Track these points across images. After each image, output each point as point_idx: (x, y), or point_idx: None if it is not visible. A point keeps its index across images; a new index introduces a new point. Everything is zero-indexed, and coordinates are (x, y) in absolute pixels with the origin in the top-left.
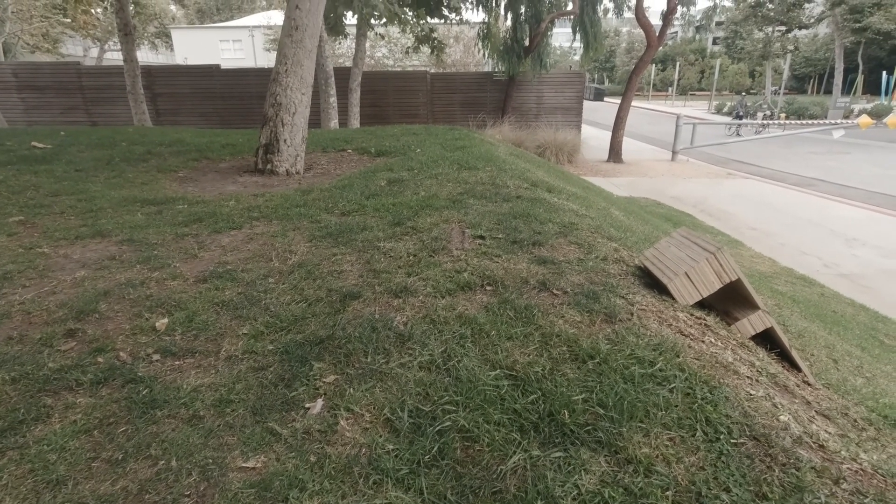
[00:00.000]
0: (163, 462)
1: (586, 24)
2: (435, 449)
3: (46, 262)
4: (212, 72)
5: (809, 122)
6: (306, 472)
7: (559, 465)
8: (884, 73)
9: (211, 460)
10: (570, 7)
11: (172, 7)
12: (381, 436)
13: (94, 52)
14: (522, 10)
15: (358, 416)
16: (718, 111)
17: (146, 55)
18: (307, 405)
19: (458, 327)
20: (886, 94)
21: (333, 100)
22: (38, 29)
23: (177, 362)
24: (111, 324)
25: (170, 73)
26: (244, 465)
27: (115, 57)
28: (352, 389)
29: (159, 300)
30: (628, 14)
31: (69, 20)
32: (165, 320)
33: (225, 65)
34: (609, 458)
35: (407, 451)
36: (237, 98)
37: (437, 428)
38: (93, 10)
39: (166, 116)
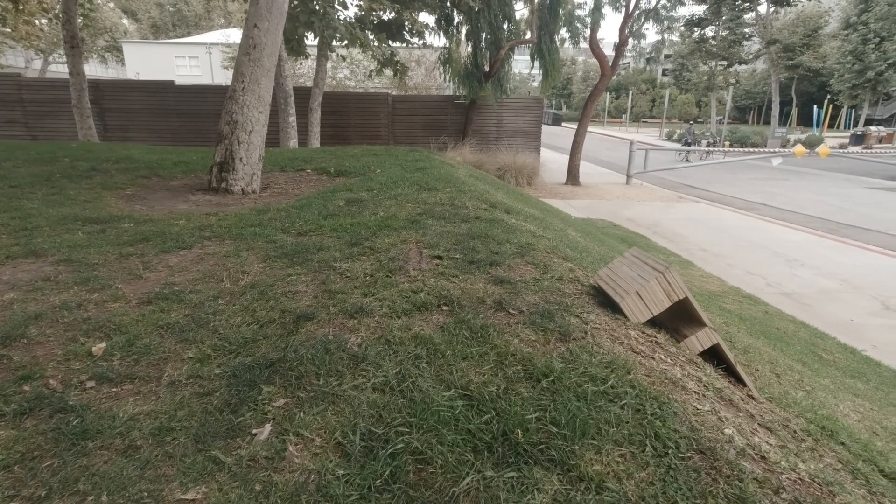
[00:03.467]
0: (92, 497)
1: (544, 52)
2: (387, 472)
3: None
4: (166, 88)
5: (751, 149)
6: (250, 501)
7: (512, 486)
8: (815, 106)
9: (146, 493)
10: (528, 36)
11: (125, 21)
12: (331, 461)
13: (38, 63)
14: (483, 36)
15: (308, 440)
16: (669, 138)
17: (94, 69)
18: (254, 431)
19: (414, 348)
20: (818, 125)
21: (293, 119)
22: None
23: (113, 389)
24: (41, 349)
25: (120, 88)
26: (183, 496)
27: (60, 69)
28: (302, 413)
29: (97, 323)
30: (584, 44)
31: (9, 30)
32: (103, 345)
33: (181, 81)
34: (562, 477)
35: (358, 476)
36: (192, 115)
37: (390, 451)
38: (37, 21)
39: (115, 132)
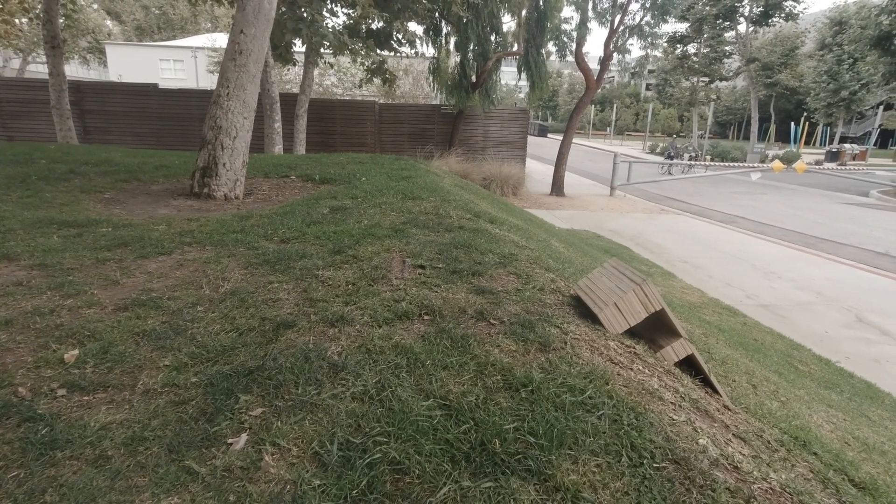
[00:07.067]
0: None
1: (531, 64)
2: (364, 483)
3: None
4: (149, 91)
5: (731, 164)
6: None
7: (489, 496)
8: (792, 123)
9: None
10: (515, 48)
11: (108, 22)
12: (307, 471)
13: (16, 63)
14: (471, 47)
15: (284, 450)
16: (652, 151)
17: (76, 70)
18: (230, 440)
19: (394, 357)
20: (795, 142)
21: (278, 125)
22: None
23: (85, 398)
24: (11, 356)
25: (102, 90)
26: None
27: (39, 69)
28: (279, 423)
29: (71, 330)
30: (570, 58)
31: None
32: (76, 352)
33: (165, 85)
34: (538, 487)
35: (334, 487)
36: (176, 119)
37: (367, 460)
38: (16, 21)
39: (96, 135)
